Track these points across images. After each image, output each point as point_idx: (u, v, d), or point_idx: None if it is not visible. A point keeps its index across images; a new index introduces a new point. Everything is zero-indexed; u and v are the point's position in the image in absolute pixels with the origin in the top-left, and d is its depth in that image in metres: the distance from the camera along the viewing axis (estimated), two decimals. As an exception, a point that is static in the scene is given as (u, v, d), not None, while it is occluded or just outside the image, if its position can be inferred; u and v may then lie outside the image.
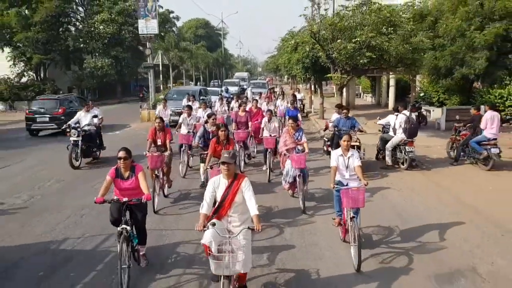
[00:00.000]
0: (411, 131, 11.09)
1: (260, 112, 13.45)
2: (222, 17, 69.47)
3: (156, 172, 8.83)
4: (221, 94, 18.67)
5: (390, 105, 24.77)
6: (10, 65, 36.78)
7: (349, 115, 11.37)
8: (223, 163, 5.06)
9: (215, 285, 5.40)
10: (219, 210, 5.11)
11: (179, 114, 16.09)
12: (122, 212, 5.74)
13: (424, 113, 19.20)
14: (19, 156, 14.32)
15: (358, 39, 13.87)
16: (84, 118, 13.14)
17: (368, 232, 7.25)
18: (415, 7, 19.28)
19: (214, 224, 4.80)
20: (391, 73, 20.57)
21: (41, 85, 36.67)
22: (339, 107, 12.30)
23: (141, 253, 6.22)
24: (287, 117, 12.83)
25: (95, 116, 13.36)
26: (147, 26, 22.88)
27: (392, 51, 14.24)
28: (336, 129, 11.22)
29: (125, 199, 5.74)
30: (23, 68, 37.22)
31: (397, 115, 11.49)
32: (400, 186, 10.02)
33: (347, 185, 6.62)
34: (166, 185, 9.67)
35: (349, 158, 6.71)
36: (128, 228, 5.71)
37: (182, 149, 11.48)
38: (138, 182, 5.94)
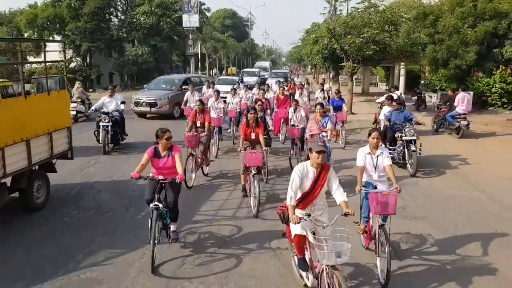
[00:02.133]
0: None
1: (287, 100, 13.90)
2: (250, 9, 72.82)
3: (192, 151, 9.22)
4: (234, 88, 18.19)
5: (400, 91, 28.02)
6: (60, 51, 41.23)
7: (400, 107, 11.28)
8: (320, 152, 4.86)
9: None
10: (307, 198, 4.97)
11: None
12: (156, 190, 5.92)
13: (425, 97, 22.48)
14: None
15: (365, 35, 17.39)
16: (108, 103, 12.91)
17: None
18: (419, 6, 22.50)
19: (309, 215, 4.74)
20: (397, 63, 23.89)
21: (87, 70, 41.09)
22: (390, 99, 12.04)
23: (172, 229, 6.29)
24: (331, 107, 13.71)
25: (123, 102, 13.18)
26: (190, 20, 26.77)
27: (393, 45, 17.68)
28: (390, 122, 11.04)
29: (160, 177, 5.91)
30: (71, 54, 41.59)
31: (392, 94, 14.95)
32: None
33: (375, 187, 5.99)
34: (205, 164, 10.00)
35: (377, 157, 6.07)
36: (161, 205, 5.84)
37: (214, 131, 11.74)
38: (174, 161, 6.05)
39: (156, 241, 5.64)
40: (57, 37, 42.18)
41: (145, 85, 25.39)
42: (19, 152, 7.14)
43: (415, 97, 20.48)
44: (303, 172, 4.93)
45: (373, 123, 13.94)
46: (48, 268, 5.72)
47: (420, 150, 10.70)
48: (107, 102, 12.94)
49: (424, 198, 8.78)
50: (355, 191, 5.95)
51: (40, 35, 40.63)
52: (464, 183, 9.83)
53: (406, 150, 10.44)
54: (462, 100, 14.39)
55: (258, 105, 10.38)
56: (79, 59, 42.67)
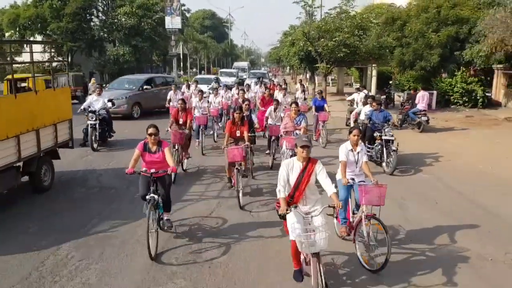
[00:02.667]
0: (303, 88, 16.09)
1: (271, 100, 13.86)
2: (229, 11, 74.24)
3: (176, 147, 9.69)
4: (215, 89, 17.57)
5: (372, 91, 29.67)
6: (41, 51, 41.72)
7: (380, 107, 11.62)
8: (304, 146, 5.10)
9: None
10: (295, 193, 5.18)
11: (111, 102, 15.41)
12: (150, 183, 6.25)
13: (394, 96, 24.07)
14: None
15: (337, 39, 18.82)
16: (95, 102, 13.19)
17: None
18: (388, 12, 24.12)
19: (296, 207, 5.00)
20: (368, 65, 25.47)
21: (68, 69, 41.60)
22: (372, 98, 12.58)
23: (165, 218, 6.70)
24: (313, 107, 14.54)
25: (110, 100, 13.74)
26: (172, 22, 27.84)
27: (362, 48, 19.17)
28: (369, 121, 11.44)
29: (152, 170, 6.24)
30: (53, 54, 42.08)
31: (359, 93, 16.39)
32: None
33: (354, 181, 6.41)
34: (185, 160, 10.57)
35: (358, 153, 6.46)
36: (156, 197, 6.18)
37: (199, 130, 12.61)
38: (164, 155, 6.38)
39: (153, 229, 6.02)
40: (39, 37, 42.66)
41: (108, 84, 25.52)
42: (31, 140, 8.21)
43: (384, 96, 22.05)
44: (289, 166, 5.20)
45: (354, 122, 14.20)
46: (69, 230, 6.90)
47: (397, 149, 10.76)
48: (94, 100, 13.22)
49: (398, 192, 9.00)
50: (343, 183, 6.20)
51: (22, 35, 41.08)
52: (433, 177, 10.37)
53: (384, 149, 10.73)
54: (422, 98, 15.92)
55: (246, 105, 10.89)
56: (60, 58, 43.12)
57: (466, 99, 21.83)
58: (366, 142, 11.07)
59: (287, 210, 4.84)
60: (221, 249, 6.35)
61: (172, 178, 7.37)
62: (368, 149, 10.73)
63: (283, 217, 5.07)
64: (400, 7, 25.39)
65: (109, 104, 13.66)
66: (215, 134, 14.71)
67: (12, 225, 7.10)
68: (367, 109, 12.05)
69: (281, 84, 19.83)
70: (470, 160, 12.04)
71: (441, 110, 20.97)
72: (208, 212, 7.86)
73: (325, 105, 14.39)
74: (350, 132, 6.48)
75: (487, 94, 22.43)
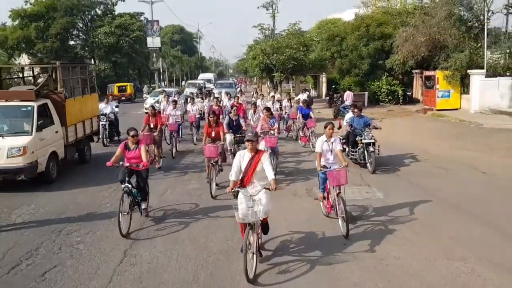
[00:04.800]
0: (309, 102, 21.28)
1: (242, 107, 15.45)
2: (198, 27, 79.59)
3: (147, 148, 10.05)
4: (192, 98, 18.85)
5: (323, 95, 35.31)
6: (26, 69, 45.72)
7: (361, 113, 12.30)
8: (248, 140, 6.14)
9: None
10: (244, 178, 6.11)
11: None
12: (126, 174, 7.42)
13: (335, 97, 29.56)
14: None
15: (286, 54, 24.18)
16: (105, 108, 16.29)
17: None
18: (330, 30, 29.77)
19: (239, 188, 6.03)
20: (315, 73, 31.07)
21: (53, 84, 45.74)
22: (354, 106, 13.63)
23: (142, 207, 7.88)
24: (299, 115, 15.50)
25: (117, 106, 17.14)
26: (153, 42, 32.81)
27: (306, 61, 24.61)
28: (351, 127, 12.12)
29: (127, 164, 7.49)
30: (39, 71, 46.09)
31: (303, 94, 21.66)
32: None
33: (330, 167, 7.51)
34: (159, 158, 12.19)
35: (331, 143, 7.62)
36: (129, 186, 7.36)
37: (171, 135, 14.32)
38: (140, 152, 7.64)
39: (125, 213, 7.21)
40: (26, 56, 46.71)
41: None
42: (80, 127, 12.97)
43: (328, 97, 27.50)
44: (241, 156, 6.25)
45: (338, 129, 14.07)
46: (105, 180, 11.07)
47: (378, 150, 11.69)
48: (103, 107, 16.35)
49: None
50: (318, 170, 7.61)
51: (10, 55, 45.03)
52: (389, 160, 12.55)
53: (365, 151, 11.59)
54: (348, 96, 21.40)
55: (234, 110, 12.32)
56: (45, 75, 47.15)
57: (391, 98, 27.53)
58: (350, 146, 12.15)
59: (232, 189, 6.02)
60: (181, 226, 7.72)
61: (148, 173, 8.24)
62: (352, 153, 12.10)
63: (235, 196, 6.21)
64: (340, 25, 31.12)
65: (116, 109, 17.24)
66: (194, 138, 16.44)
67: (73, 176, 11.84)
68: (349, 116, 12.72)
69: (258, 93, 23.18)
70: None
71: (371, 107, 26.48)
72: (184, 200, 9.32)
73: (311, 113, 15.37)
74: (325, 127, 7.81)
75: (408, 93, 28.22)
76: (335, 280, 5.77)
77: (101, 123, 15.48)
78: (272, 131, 11.27)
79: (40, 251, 6.85)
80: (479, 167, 11.66)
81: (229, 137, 11.37)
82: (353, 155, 12.08)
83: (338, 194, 7.21)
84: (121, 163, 7.63)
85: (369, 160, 11.51)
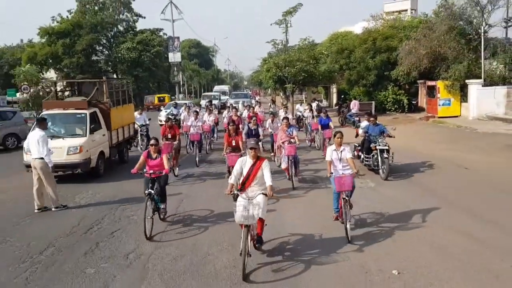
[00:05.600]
0: (318, 111, 23.30)
1: (258, 117, 15.81)
2: (214, 42, 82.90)
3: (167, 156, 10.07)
4: (210, 109, 19.70)
5: (333, 105, 37.30)
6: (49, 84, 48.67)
7: (377, 122, 12.73)
8: (252, 148, 6.64)
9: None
10: (246, 182, 6.60)
11: None
12: (149, 185, 8.02)
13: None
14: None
15: (298, 67, 26.28)
16: (138, 119, 17.73)
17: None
18: (339, 44, 31.85)
19: (238, 191, 6.47)
20: (326, 84, 33.13)
21: (100, 96, 48.69)
22: (369, 115, 14.05)
23: (162, 207, 8.45)
24: (319, 126, 15.82)
25: (149, 119, 18.78)
26: (174, 57, 35.30)
27: (316, 73, 26.69)
28: (366, 134, 12.59)
29: (151, 171, 8.14)
30: (65, 84, 48.99)
31: (313, 103, 23.66)
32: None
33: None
34: (176, 167, 12.64)
35: (341, 152, 7.79)
36: (153, 192, 7.93)
37: (194, 145, 14.85)
38: (162, 161, 8.28)
39: (149, 216, 7.74)
40: (53, 71, 49.67)
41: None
42: (121, 132, 15.16)
43: (337, 106, 29.47)
44: (242, 162, 6.72)
45: (355, 137, 14.68)
46: (141, 176, 13.32)
47: (392, 158, 12.02)
48: (138, 118, 17.88)
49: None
50: (328, 176, 7.93)
51: (39, 69, 47.89)
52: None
53: (379, 157, 11.95)
54: (354, 105, 23.35)
55: (254, 120, 12.96)
56: (69, 88, 50.04)
57: (397, 106, 29.40)
58: (364, 152, 12.67)
59: (231, 192, 6.47)
60: (201, 229, 8.19)
61: (167, 178, 8.87)
62: (367, 159, 12.59)
63: (234, 199, 6.61)
64: (348, 39, 33.19)
65: (147, 121, 18.57)
66: (207, 147, 17.16)
67: (116, 172, 13.92)
68: (365, 124, 13.30)
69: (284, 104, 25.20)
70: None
71: (378, 115, 28.21)
72: (199, 206, 9.73)
73: (330, 123, 15.70)
74: (334, 136, 8.20)
75: (413, 102, 30.06)
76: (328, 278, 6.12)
77: (139, 132, 17.56)
78: (292, 140, 11.65)
79: (105, 220, 8.97)
80: (464, 164, 13.48)
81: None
82: (367, 161, 12.60)
83: (344, 200, 7.43)
84: (144, 170, 8.34)
85: (383, 167, 11.86)
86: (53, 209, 9.78)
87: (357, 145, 13.35)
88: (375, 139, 12.19)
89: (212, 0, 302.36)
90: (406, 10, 77.49)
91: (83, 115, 12.73)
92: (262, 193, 6.50)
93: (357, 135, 14.06)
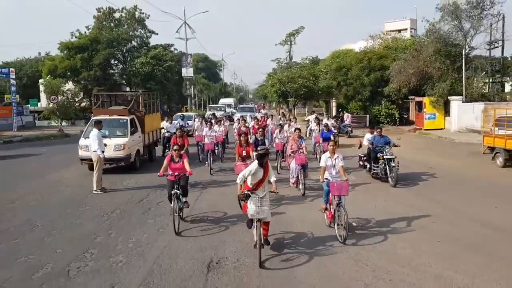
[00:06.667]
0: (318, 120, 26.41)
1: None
2: (222, 57, 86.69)
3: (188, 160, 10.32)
4: (219, 120, 20.46)
5: (333, 114, 40.45)
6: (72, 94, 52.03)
7: (381, 132, 13.56)
8: (263, 155, 7.55)
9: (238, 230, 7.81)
10: (259, 184, 7.46)
11: None
12: (173, 187, 8.93)
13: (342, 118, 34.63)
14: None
15: (299, 83, 29.51)
16: (170, 128, 19.39)
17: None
18: (337, 62, 35.13)
19: (250, 192, 7.30)
20: (325, 99, 36.40)
21: (137, 105, 51.79)
22: (372, 128, 14.83)
23: (184, 200, 9.43)
24: (320, 139, 16.52)
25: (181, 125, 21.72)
26: (187, 72, 38.59)
27: (315, 88, 29.90)
28: (372, 145, 13.29)
29: (176, 174, 9.06)
30: (77, 95, 52.32)
31: (312, 115, 26.77)
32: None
33: (332, 180, 8.33)
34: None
35: (335, 159, 8.54)
36: (178, 192, 8.92)
37: (208, 153, 15.83)
38: (183, 164, 9.25)
39: (176, 214, 8.66)
40: (71, 83, 53.01)
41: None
42: (151, 135, 18.28)
43: (334, 118, 32.51)
44: (253, 167, 7.56)
45: (358, 148, 15.28)
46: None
47: (398, 166, 12.74)
48: (168, 127, 19.67)
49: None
50: (320, 181, 8.65)
51: (64, 81, 51.12)
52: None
53: (387, 166, 12.74)
54: (347, 117, 26.47)
55: (260, 131, 14.45)
56: (87, 99, 53.48)
57: (389, 120, 32.51)
58: (372, 162, 13.39)
59: (242, 192, 7.36)
60: (222, 228, 9.05)
61: (188, 179, 9.62)
62: (374, 168, 13.38)
63: (243, 199, 7.45)
64: (346, 58, 36.50)
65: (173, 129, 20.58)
66: (222, 157, 18.09)
67: (147, 168, 16.89)
68: (369, 136, 13.89)
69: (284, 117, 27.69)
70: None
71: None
72: (214, 209, 10.62)
73: (331, 136, 15.45)
74: (376, 153, 10.05)
75: (404, 116, 33.18)
76: (325, 267, 7.00)
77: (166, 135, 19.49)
78: (301, 150, 12.42)
79: (150, 196, 12.07)
80: (430, 165, 16.45)
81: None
82: (374, 170, 13.37)
83: (338, 204, 8.08)
84: (170, 172, 9.20)
85: (391, 175, 12.66)
86: (93, 191, 12.55)
87: (363, 155, 14.18)
88: (381, 149, 13.02)
89: (219, 17, 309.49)
90: (406, 29, 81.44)
91: (125, 120, 15.89)
92: (270, 191, 7.56)
93: (360, 145, 14.85)
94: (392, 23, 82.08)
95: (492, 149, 16.36)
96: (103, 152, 12.95)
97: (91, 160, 13.61)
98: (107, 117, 15.98)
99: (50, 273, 6.87)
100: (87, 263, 7.27)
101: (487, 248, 7.75)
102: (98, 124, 13.39)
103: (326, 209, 8.74)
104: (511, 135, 15.19)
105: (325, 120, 22.70)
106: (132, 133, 15.85)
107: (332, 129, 19.33)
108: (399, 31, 79.29)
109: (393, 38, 40.78)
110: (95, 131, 13.01)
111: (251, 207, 7.22)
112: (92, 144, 12.84)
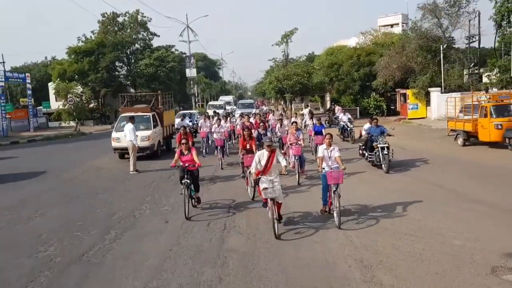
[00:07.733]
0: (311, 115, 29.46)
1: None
2: (221, 56, 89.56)
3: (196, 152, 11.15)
4: (226, 116, 21.88)
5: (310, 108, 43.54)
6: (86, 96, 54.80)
7: (378, 124, 14.47)
8: (268, 145, 8.55)
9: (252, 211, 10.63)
10: (266, 169, 8.40)
11: None
12: (184, 172, 9.86)
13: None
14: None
15: (294, 80, 32.59)
16: (180, 123, 20.91)
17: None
18: (329, 60, 38.19)
19: (261, 176, 8.33)
20: (319, 94, 39.51)
21: (103, 108, 54.89)
22: (371, 118, 15.41)
23: (195, 196, 10.37)
24: (312, 132, 17.08)
25: (191, 121, 25.52)
26: (191, 73, 41.63)
27: (309, 84, 33.00)
28: (369, 135, 13.97)
29: (186, 164, 9.96)
30: (90, 96, 55.36)
31: (306, 109, 29.81)
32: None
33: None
34: None
35: (331, 151, 9.07)
36: (188, 181, 9.80)
37: (218, 149, 16.54)
38: (192, 156, 10.09)
39: (186, 201, 9.63)
40: (79, 86, 55.95)
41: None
42: (168, 129, 21.35)
43: (327, 111, 35.61)
44: (261, 155, 8.61)
45: (359, 138, 16.48)
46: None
47: (392, 154, 13.65)
48: (180, 123, 20.84)
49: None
50: (319, 171, 9.28)
51: (77, 84, 53.95)
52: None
53: (381, 154, 13.54)
54: (338, 110, 29.50)
55: (262, 125, 14.83)
56: (95, 100, 56.46)
57: (378, 111, 35.58)
58: (368, 150, 14.18)
59: (257, 175, 8.53)
60: (229, 213, 9.96)
61: (199, 173, 10.46)
62: (370, 156, 14.27)
63: (257, 183, 8.77)
64: (338, 55, 39.56)
65: (190, 124, 23.46)
66: (227, 151, 18.79)
67: (166, 156, 19.94)
68: (367, 126, 14.92)
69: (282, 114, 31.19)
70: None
71: (362, 119, 34.37)
72: (224, 196, 11.69)
73: (323, 130, 16.13)
74: (372, 142, 11.29)
75: (391, 107, 36.27)
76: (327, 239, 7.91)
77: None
78: (299, 142, 13.35)
79: (175, 175, 14.77)
80: (403, 146, 19.53)
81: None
82: (370, 157, 14.28)
83: (334, 192, 8.61)
84: (180, 164, 10.24)
85: (384, 162, 13.53)
86: (130, 172, 15.63)
87: (361, 145, 15.19)
88: (376, 138, 13.84)
89: (218, 19, 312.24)
90: (397, 24, 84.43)
91: (148, 116, 18.99)
92: (279, 173, 8.60)
93: (360, 135, 15.87)
94: (384, 18, 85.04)
95: (454, 131, 19.48)
96: (136, 141, 16.06)
97: (122, 149, 16.85)
98: (133, 113, 19.07)
99: (121, 216, 10.05)
100: (145, 210, 10.49)
101: (429, 198, 10.80)
102: (132, 119, 16.49)
103: (325, 211, 9.20)
104: (469, 119, 18.27)
105: (341, 115, 24.44)
106: (154, 127, 18.92)
107: (347, 122, 22.41)
108: (391, 25, 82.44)
109: (383, 33, 43.88)
110: (130, 125, 16.11)
111: (263, 186, 8.26)
112: (128, 135, 15.92)
